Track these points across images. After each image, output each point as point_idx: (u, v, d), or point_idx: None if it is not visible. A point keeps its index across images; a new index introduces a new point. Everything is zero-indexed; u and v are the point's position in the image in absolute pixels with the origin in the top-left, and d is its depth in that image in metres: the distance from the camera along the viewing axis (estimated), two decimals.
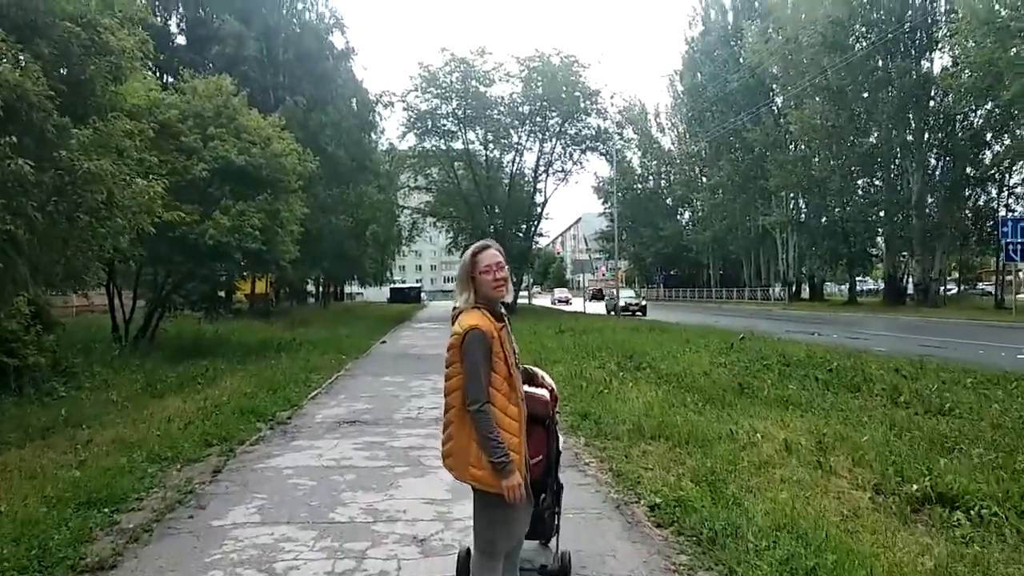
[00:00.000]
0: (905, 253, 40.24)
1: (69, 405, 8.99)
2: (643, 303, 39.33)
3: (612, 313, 35.97)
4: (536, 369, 3.60)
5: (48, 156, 6.70)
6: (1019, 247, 27.14)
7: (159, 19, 31.82)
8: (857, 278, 52.42)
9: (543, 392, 3.46)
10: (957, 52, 31.77)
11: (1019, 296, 43.64)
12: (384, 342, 21.41)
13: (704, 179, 63.51)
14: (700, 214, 64.94)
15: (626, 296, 40.40)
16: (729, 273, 64.58)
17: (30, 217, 6.40)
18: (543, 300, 74.14)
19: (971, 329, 23.21)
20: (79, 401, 9.76)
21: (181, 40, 32.01)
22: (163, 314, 18.40)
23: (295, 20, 32.95)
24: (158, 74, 28.92)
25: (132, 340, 16.65)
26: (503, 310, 3.13)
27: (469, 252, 3.08)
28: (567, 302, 60.78)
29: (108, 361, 13.89)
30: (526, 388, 3.26)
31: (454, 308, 3.10)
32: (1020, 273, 37.76)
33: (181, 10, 31.83)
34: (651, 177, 74.36)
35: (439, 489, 5.42)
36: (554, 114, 36.08)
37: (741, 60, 51.51)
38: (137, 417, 8.35)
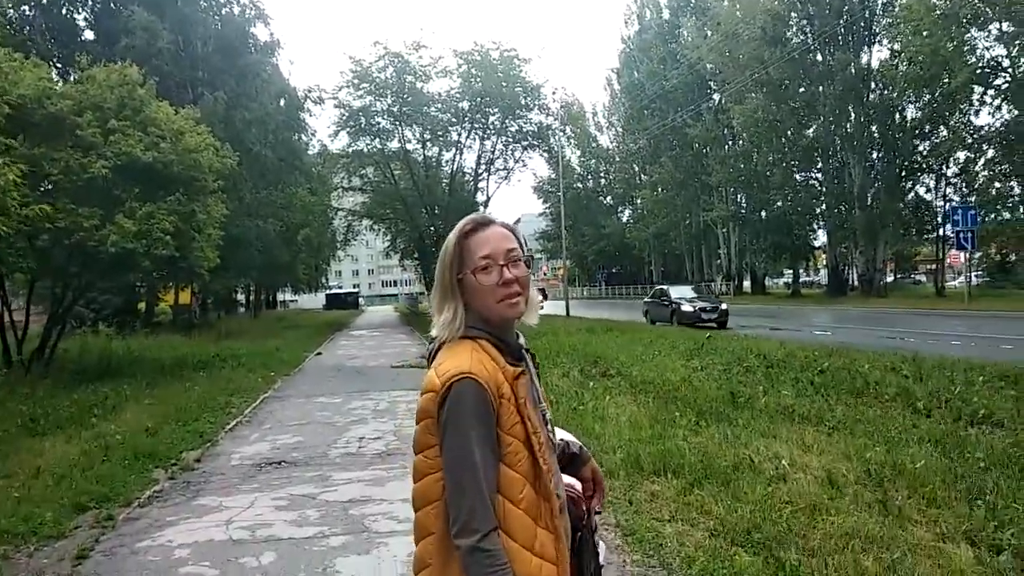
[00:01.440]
0: (847, 244, 40.31)
1: None
2: (723, 307, 23.57)
3: (671, 323, 23.43)
4: (564, 435, 2.12)
5: None
6: (968, 236, 27.05)
7: (65, 12, 29.37)
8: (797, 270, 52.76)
9: (570, 482, 1.90)
10: (899, 44, 31.75)
11: (953, 284, 44.50)
12: (319, 354, 19.63)
13: (644, 176, 63.21)
14: (641, 211, 64.59)
15: (688, 297, 24.90)
16: (671, 269, 64.38)
17: None
18: None
19: (926, 319, 22.81)
20: None
21: (90, 35, 29.49)
22: (62, 331, 16.24)
23: (214, 11, 30.66)
24: (63, 70, 26.55)
25: (25, 362, 14.50)
26: (522, 341, 1.69)
27: (454, 232, 1.64)
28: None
29: None
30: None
31: (430, 339, 1.67)
32: (955, 261, 38.27)
33: (90, 2, 29.30)
34: (590, 176, 73.86)
35: (392, 574, 3.93)
36: (495, 110, 34.62)
37: (679, 57, 51.17)
38: None
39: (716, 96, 49.62)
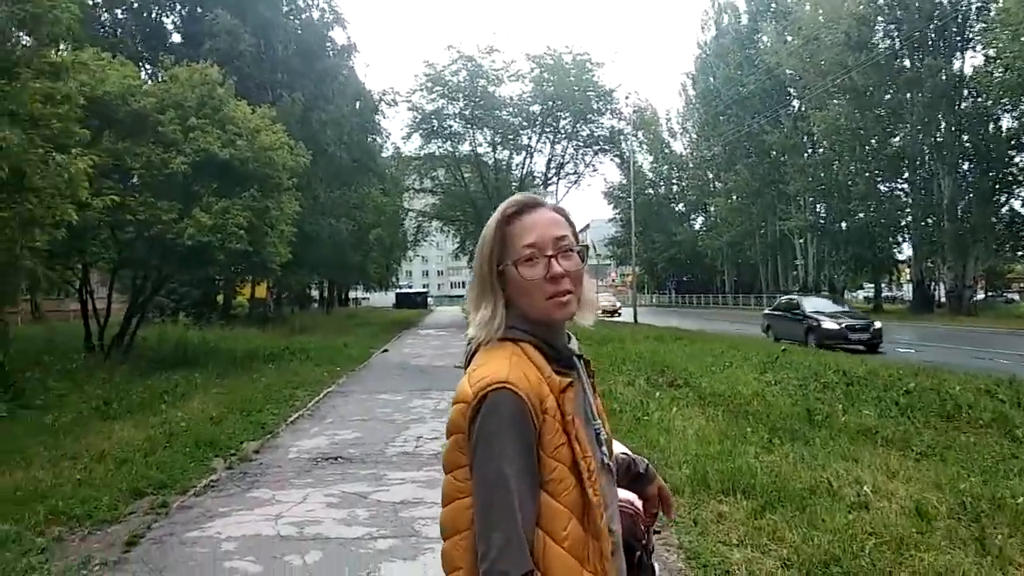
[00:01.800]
0: (935, 259, 38.32)
1: None
2: (876, 325, 18.79)
3: (805, 343, 18.21)
4: (621, 449, 1.82)
5: None
6: None
7: (155, 16, 30.62)
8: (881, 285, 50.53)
9: (629, 498, 1.69)
10: (995, 50, 30.01)
11: None
12: (386, 351, 19.74)
13: (718, 184, 61.75)
14: (714, 219, 63.11)
15: (828, 311, 20.08)
16: (744, 279, 62.64)
17: None
18: None
19: (1021, 340, 21.36)
20: (5, 425, 8.12)
21: (177, 38, 30.65)
22: (141, 320, 16.78)
23: (295, 16, 31.44)
24: (152, 72, 27.64)
25: (104, 348, 15.03)
26: (575, 346, 1.46)
27: (495, 215, 1.40)
28: (615, 312, 40.42)
29: (72, 373, 12.31)
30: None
31: (468, 340, 1.44)
32: None
33: (178, 7, 30.46)
34: (662, 182, 72.64)
35: None
36: (566, 114, 34.43)
37: (756, 63, 49.76)
38: (65, 450, 6.69)
39: (795, 102, 48.04)
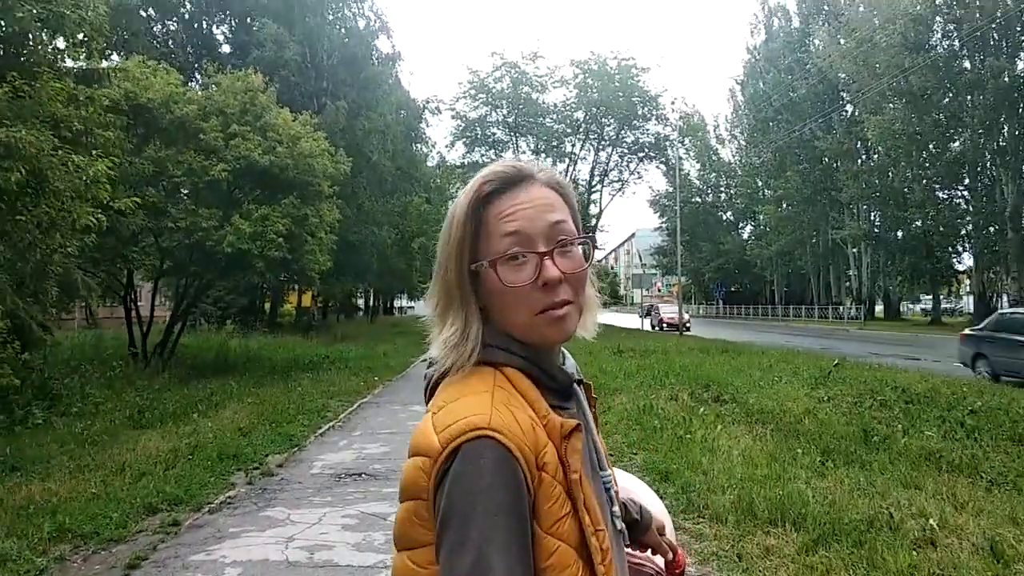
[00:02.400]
0: (997, 269, 36.66)
1: (8, 444, 7.26)
2: None
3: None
4: (634, 489, 1.46)
5: None
6: None
7: (205, 27, 31.25)
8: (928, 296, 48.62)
9: (645, 558, 1.33)
10: None
11: None
12: (425, 360, 19.49)
13: (768, 191, 60.39)
14: (763, 228, 61.72)
15: None
16: (795, 290, 61.07)
17: None
18: (602, 317, 71.47)
19: None
20: (37, 433, 8.10)
21: (227, 48, 31.21)
22: (183, 327, 16.91)
23: (340, 25, 31.72)
24: (204, 83, 28.18)
25: (146, 355, 15.14)
26: (572, 366, 1.11)
27: (466, 193, 1.01)
28: (685, 326, 33.24)
29: (111, 380, 12.38)
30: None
31: (428, 364, 1.08)
32: None
33: (228, 18, 31.04)
34: (710, 190, 71.45)
35: None
36: (610, 120, 34.01)
37: (808, 67, 48.53)
38: (87, 462, 6.57)
39: (848, 107, 46.70)
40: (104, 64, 14.56)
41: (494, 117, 34.18)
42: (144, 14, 28.26)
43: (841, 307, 48.85)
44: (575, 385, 1.07)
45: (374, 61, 32.03)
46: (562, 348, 1.13)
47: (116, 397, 11.08)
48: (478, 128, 33.94)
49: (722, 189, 71.09)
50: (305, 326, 31.45)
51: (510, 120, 33.80)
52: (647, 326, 36.87)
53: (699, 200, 69.23)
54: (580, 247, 1.02)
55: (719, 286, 68.03)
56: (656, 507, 1.44)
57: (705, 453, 6.79)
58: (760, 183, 62.77)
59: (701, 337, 25.74)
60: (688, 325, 34.32)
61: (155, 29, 29.34)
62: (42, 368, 10.78)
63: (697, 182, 69.14)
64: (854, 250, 48.50)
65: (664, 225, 67.09)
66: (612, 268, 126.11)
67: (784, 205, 55.14)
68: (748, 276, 67.19)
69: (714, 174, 69.81)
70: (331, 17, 31.37)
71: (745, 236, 67.81)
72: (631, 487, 1.45)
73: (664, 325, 36.34)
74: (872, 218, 47.92)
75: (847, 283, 51.92)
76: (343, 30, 31.38)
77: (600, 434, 1.16)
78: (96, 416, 9.58)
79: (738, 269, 66.36)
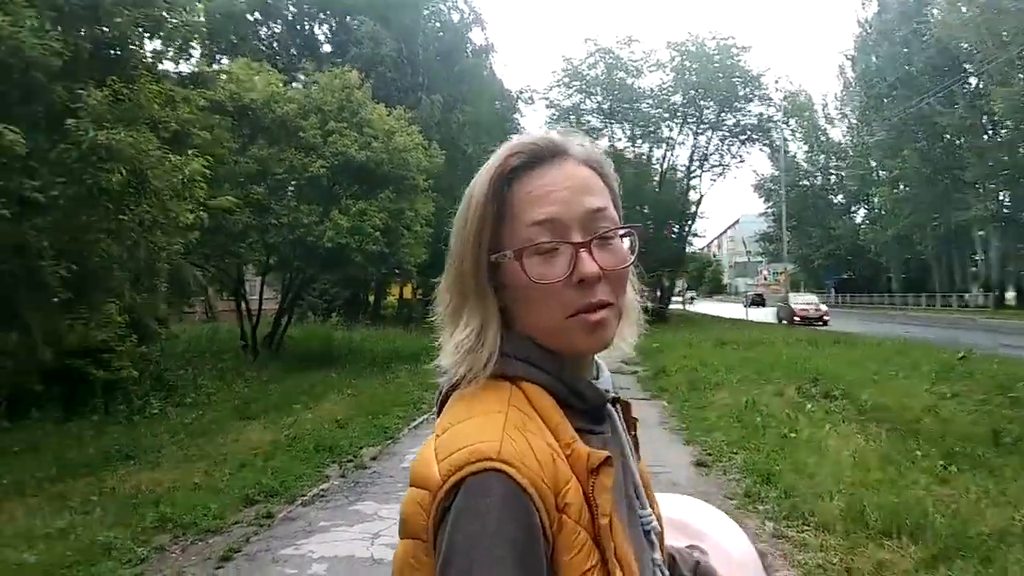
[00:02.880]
0: None
1: (127, 433, 7.68)
2: None
3: None
4: (704, 526, 1.19)
5: (60, 127, 5.29)
6: None
7: (307, 28, 32.35)
8: None
9: None
10: None
11: None
12: None
13: (883, 172, 56.95)
14: (878, 211, 58.31)
15: None
16: (914, 277, 57.40)
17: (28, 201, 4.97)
18: (704, 307, 69.81)
19: None
20: (153, 423, 8.54)
21: (328, 47, 32.19)
22: (290, 320, 17.57)
23: (434, 19, 32.09)
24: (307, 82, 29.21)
25: (255, 347, 15.83)
26: (607, 381, 0.92)
27: (488, 168, 0.84)
28: (822, 319, 30.48)
29: (223, 372, 12.99)
30: None
31: (439, 374, 0.89)
32: None
33: (328, 18, 31.98)
34: (819, 172, 68.10)
35: None
36: (710, 103, 32.84)
37: (926, 38, 45.31)
38: (194, 452, 6.86)
39: (972, 79, 43.30)
40: (214, 67, 15.32)
41: (588, 104, 33.74)
42: (251, 18, 29.55)
43: (967, 295, 45.61)
44: (609, 405, 0.89)
45: (468, 54, 32.24)
46: (596, 359, 0.96)
47: (226, 388, 11.61)
48: (572, 116, 33.55)
49: (832, 171, 67.58)
50: (406, 318, 32.13)
51: (605, 107, 33.26)
52: (752, 316, 35.42)
53: (807, 183, 66.15)
54: (624, 240, 0.85)
55: (830, 274, 65.00)
56: (736, 548, 1.21)
57: (812, 454, 6.37)
58: (874, 163, 59.26)
59: (811, 328, 24.53)
60: (827, 318, 30.35)
61: (261, 32, 30.62)
62: (158, 360, 11.39)
63: (805, 164, 66.04)
64: (981, 233, 45.02)
65: (770, 210, 64.51)
66: (714, 256, 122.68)
67: (901, 186, 51.86)
68: (862, 263, 63.72)
69: (823, 155, 66.48)
70: (426, 12, 31.77)
71: (858, 220, 64.29)
72: (700, 524, 1.23)
73: (797, 319, 30.47)
74: (1001, 198, 44.31)
75: (973, 268, 48.35)
76: (438, 24, 31.75)
77: (642, 461, 0.98)
78: (207, 407, 10.05)
79: (851, 255, 63.05)
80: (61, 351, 9.62)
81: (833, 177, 67.46)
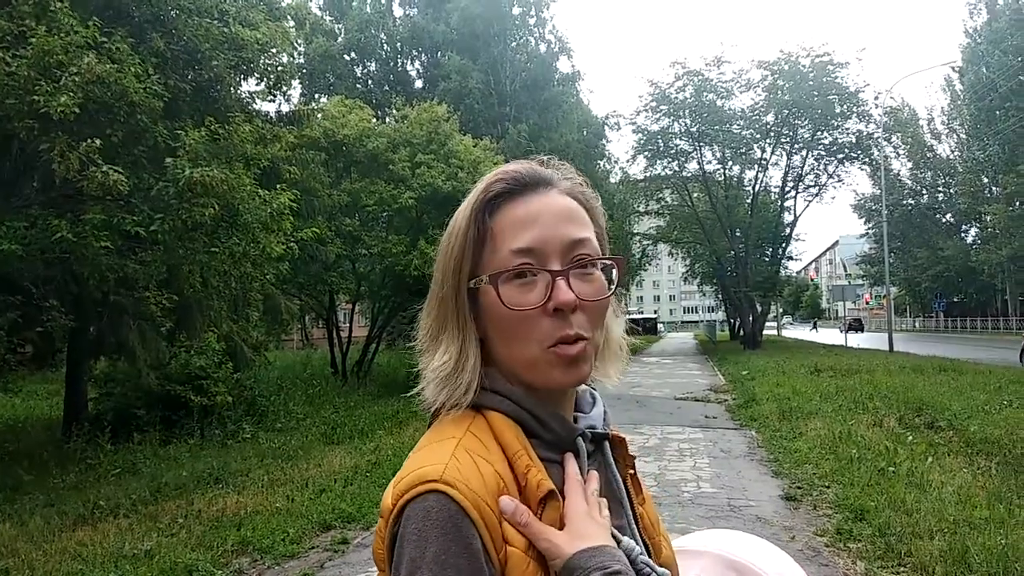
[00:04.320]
0: None
1: (219, 457, 8.01)
2: None
3: None
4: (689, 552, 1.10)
5: (160, 165, 5.66)
6: None
7: (400, 65, 33.54)
8: None
9: None
10: None
11: None
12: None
13: (996, 189, 53.59)
14: (991, 230, 54.76)
15: None
16: None
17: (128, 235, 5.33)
18: (798, 332, 67.26)
19: None
20: (244, 447, 8.88)
21: (419, 84, 33.27)
22: (378, 347, 18.01)
23: (521, 50, 32.63)
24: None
25: (345, 374, 16.29)
26: (598, 414, 0.90)
27: (473, 195, 0.85)
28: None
29: (312, 397, 13.41)
30: None
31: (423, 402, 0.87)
32: None
33: (420, 54, 33.10)
34: (925, 191, 64.72)
35: None
36: (804, 121, 31.79)
37: None
38: (279, 476, 7.07)
39: None
40: (311, 106, 16.05)
41: (676, 128, 33.24)
42: (347, 58, 30.97)
43: None
44: (580, 440, 0.84)
45: (555, 82, 32.58)
46: (592, 390, 0.95)
47: (315, 413, 11.97)
48: (660, 140, 33.18)
49: (939, 189, 64.10)
50: None
51: (693, 130, 32.70)
52: (852, 342, 33.76)
53: (911, 202, 62.94)
54: (603, 270, 0.83)
55: (938, 297, 61.47)
56: None
57: (911, 489, 5.94)
58: (986, 180, 55.92)
59: (914, 354, 23.16)
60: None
61: (356, 71, 32.00)
62: (252, 386, 11.88)
63: (909, 182, 62.94)
64: None
65: (871, 231, 61.76)
66: (812, 280, 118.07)
67: (1017, 203, 48.60)
68: (973, 285, 59.93)
69: (929, 173, 63.19)
70: (513, 44, 32.41)
71: (969, 240, 60.56)
72: (761, 564, 1.13)
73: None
74: None
75: None
76: (525, 56, 32.29)
77: (644, 499, 0.93)
78: (296, 431, 10.39)
79: (961, 277, 59.38)
80: (163, 377, 10.21)
81: (941, 195, 63.99)
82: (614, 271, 0.85)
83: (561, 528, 0.76)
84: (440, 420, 0.83)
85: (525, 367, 0.80)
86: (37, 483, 7.25)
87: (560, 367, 0.79)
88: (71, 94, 4.76)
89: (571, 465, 0.81)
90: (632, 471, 0.93)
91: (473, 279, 0.82)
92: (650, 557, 0.86)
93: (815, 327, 33.81)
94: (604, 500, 0.83)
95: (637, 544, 0.84)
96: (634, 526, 0.88)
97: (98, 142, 4.99)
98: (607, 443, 0.89)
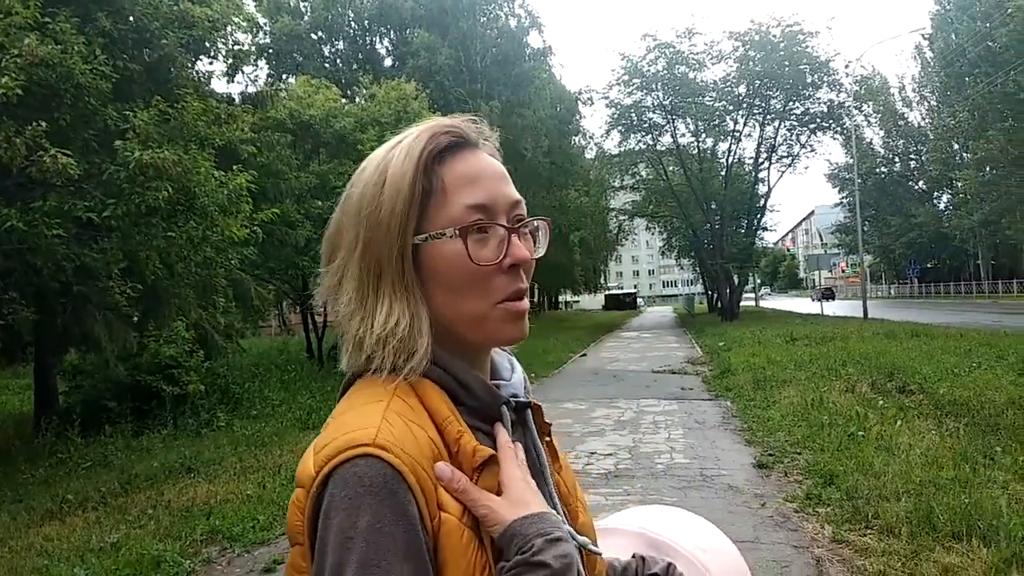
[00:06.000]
0: None
1: (192, 446, 7.91)
2: None
3: None
4: (651, 527, 1.08)
5: (112, 149, 5.50)
6: None
7: (368, 43, 33.04)
8: None
9: None
10: None
11: None
12: (584, 355, 19.35)
13: (966, 155, 54.16)
14: (963, 196, 55.45)
15: None
16: (1004, 263, 54.40)
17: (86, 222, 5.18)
18: (776, 302, 67.89)
19: None
20: (218, 435, 8.79)
21: (388, 61, 32.81)
22: None
23: (491, 25, 32.25)
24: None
25: (321, 359, 16.18)
26: (519, 380, 0.89)
27: (410, 147, 0.79)
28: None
29: (287, 383, 13.30)
30: None
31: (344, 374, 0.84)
32: None
33: (388, 31, 32.59)
34: (897, 158, 65.30)
35: None
36: (776, 92, 31.84)
37: (1010, 10, 42.85)
38: (252, 463, 7.01)
39: None
40: (277, 85, 15.76)
41: (649, 101, 33.15)
42: (315, 36, 30.44)
43: None
44: (504, 408, 0.82)
45: (526, 57, 32.24)
46: (511, 357, 0.93)
47: (291, 399, 11.85)
48: (633, 114, 33.09)
49: (911, 156, 64.78)
50: None
51: (666, 103, 32.64)
52: (827, 310, 34.12)
53: (884, 170, 63.55)
54: (531, 234, 0.85)
55: (912, 263, 62.36)
56: (719, 568, 1.07)
57: (880, 452, 6.01)
58: (957, 146, 56.57)
59: (889, 320, 23.46)
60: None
61: (324, 50, 31.47)
62: (225, 374, 11.74)
63: (881, 151, 63.49)
64: None
65: (845, 201, 62.31)
66: (788, 251, 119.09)
67: (987, 169, 49.18)
68: (946, 251, 60.86)
69: (901, 141, 63.79)
70: (483, 19, 31.98)
71: (941, 207, 61.32)
72: (679, 539, 1.09)
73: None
74: None
75: None
76: (495, 31, 31.89)
77: (561, 466, 0.90)
78: (271, 418, 10.29)
79: (934, 244, 60.25)
80: (133, 368, 10.06)
81: (913, 163, 64.64)
82: (540, 232, 0.86)
83: (498, 496, 0.73)
84: (359, 385, 0.79)
85: (472, 324, 0.79)
86: (5, 479, 7.13)
87: (511, 322, 0.79)
88: (12, 76, 4.60)
89: (503, 434, 0.79)
90: (548, 438, 0.91)
91: (421, 233, 0.78)
92: (568, 523, 0.83)
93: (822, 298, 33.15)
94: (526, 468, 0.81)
95: (558, 512, 0.81)
96: (554, 494, 0.85)
97: (44, 125, 4.84)
98: (528, 411, 0.87)
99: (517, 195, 0.82)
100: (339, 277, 0.81)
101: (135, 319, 9.53)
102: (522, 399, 0.86)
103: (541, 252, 0.86)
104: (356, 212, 0.80)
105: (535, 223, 0.85)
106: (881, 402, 8.41)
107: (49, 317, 8.41)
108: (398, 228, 0.77)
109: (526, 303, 0.81)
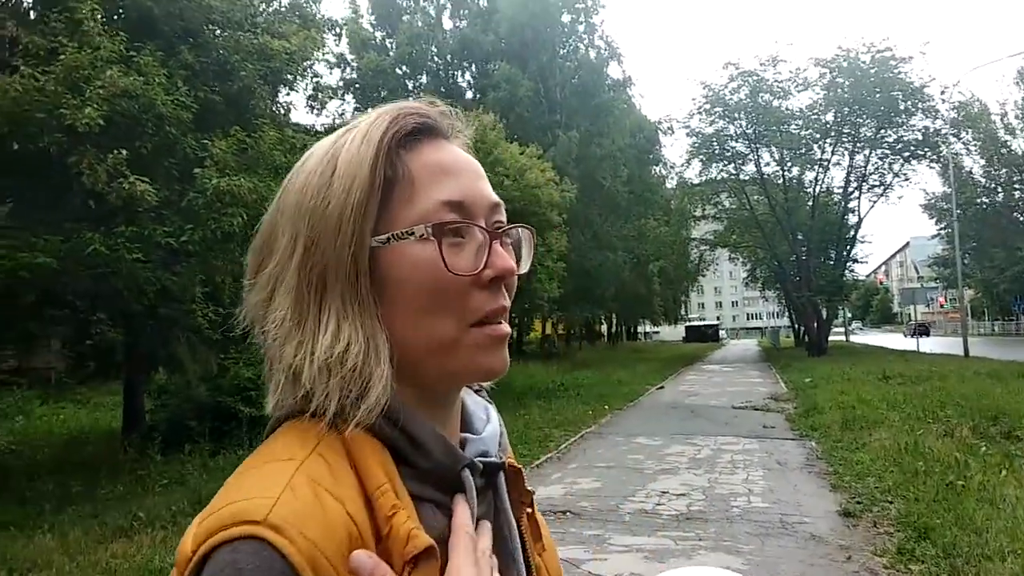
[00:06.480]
0: None
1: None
2: None
3: None
4: None
5: (191, 177, 5.69)
6: None
7: (451, 77, 33.82)
8: None
9: None
10: None
11: None
12: (662, 387, 18.82)
13: None
14: None
15: None
16: None
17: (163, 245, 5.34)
18: (867, 338, 64.89)
19: None
20: None
21: (469, 94, 33.44)
22: None
23: (571, 57, 32.49)
24: None
25: None
26: (492, 432, 0.70)
27: (368, 129, 0.62)
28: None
29: None
30: None
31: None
32: None
33: (470, 66, 33.29)
34: (1000, 188, 61.75)
35: None
36: (866, 119, 30.69)
37: None
38: None
39: None
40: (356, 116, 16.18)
41: (732, 130, 32.54)
42: (399, 71, 31.37)
43: None
44: (467, 473, 0.63)
45: (605, 88, 32.31)
46: (487, 403, 0.76)
47: None
48: (715, 143, 32.50)
49: (1016, 186, 61.09)
50: (548, 353, 32.15)
51: (749, 131, 31.95)
52: (924, 347, 32.25)
53: (985, 201, 60.16)
54: (512, 245, 0.68)
55: (1017, 299, 58.53)
56: None
57: (982, 505, 5.49)
58: None
59: (991, 359, 21.93)
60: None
61: (408, 84, 32.37)
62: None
63: (982, 180, 60.18)
64: None
65: (943, 232, 59.24)
66: (881, 284, 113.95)
67: None
68: None
69: (1004, 169, 60.23)
70: (563, 52, 32.28)
71: None
72: None
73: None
74: None
75: None
76: (574, 62, 32.12)
77: (545, 548, 0.72)
78: None
79: None
80: (214, 389, 10.32)
81: (1018, 193, 60.94)
82: (523, 244, 0.71)
83: None
84: (283, 430, 0.62)
85: (440, 352, 0.61)
86: (87, 494, 7.36)
87: (489, 349, 0.62)
88: (95, 106, 4.82)
89: (461, 512, 0.61)
90: (530, 510, 0.72)
91: (380, 235, 0.61)
92: None
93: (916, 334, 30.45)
94: (495, 560, 0.62)
95: None
96: None
97: (125, 153, 5.04)
98: (502, 475, 0.69)
99: (497, 197, 0.66)
100: (270, 290, 0.63)
101: (217, 340, 9.80)
102: (494, 459, 0.67)
103: (525, 268, 0.69)
104: (295, 208, 0.62)
105: (517, 232, 0.69)
106: (984, 448, 7.74)
107: (136, 338, 8.74)
108: (352, 226, 0.60)
109: (507, 327, 0.64)
